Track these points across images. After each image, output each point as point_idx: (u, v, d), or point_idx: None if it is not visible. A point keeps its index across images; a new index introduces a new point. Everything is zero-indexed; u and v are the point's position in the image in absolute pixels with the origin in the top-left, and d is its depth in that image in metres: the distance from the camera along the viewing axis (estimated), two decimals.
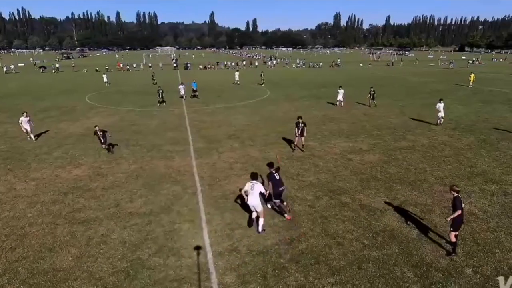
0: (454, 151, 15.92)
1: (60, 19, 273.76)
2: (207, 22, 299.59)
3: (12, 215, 10.38)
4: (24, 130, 17.98)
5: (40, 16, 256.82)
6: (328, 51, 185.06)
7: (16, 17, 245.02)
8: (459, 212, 7.93)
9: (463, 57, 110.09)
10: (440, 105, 20.16)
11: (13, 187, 12.34)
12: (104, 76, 43.41)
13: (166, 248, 8.67)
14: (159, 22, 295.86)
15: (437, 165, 14.17)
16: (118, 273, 7.75)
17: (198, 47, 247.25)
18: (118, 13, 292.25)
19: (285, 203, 10.36)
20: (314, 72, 63.02)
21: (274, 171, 10.16)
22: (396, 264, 8.01)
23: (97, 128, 15.84)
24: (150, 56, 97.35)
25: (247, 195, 9.32)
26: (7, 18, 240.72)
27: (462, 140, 17.61)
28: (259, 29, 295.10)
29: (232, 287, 7.35)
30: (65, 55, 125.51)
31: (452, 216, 8.01)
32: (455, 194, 8.07)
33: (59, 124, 21.76)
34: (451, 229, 8.16)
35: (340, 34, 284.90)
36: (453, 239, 8.18)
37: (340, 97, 26.94)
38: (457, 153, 15.64)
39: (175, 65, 72.70)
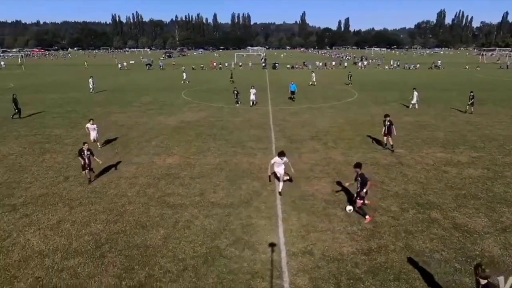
0: None
1: (166, 21, 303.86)
2: (298, 22, 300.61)
3: (115, 193, 11.93)
4: (92, 138, 16.67)
5: (150, 19, 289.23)
6: (428, 52, 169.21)
7: (131, 20, 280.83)
8: None
9: None
10: None
11: (119, 169, 14.15)
12: (184, 74, 46.41)
13: (242, 241, 9.00)
14: (251, 23, 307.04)
15: None
16: (198, 258, 8.32)
17: (287, 47, 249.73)
18: (215, 15, 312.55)
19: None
20: (409, 74, 58.32)
21: (362, 173, 10.08)
22: None
23: (85, 147, 12.54)
24: (245, 55, 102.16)
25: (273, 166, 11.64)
26: (124, 21, 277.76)
27: None
28: (351, 29, 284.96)
29: None
30: (167, 54, 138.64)
31: None
32: (484, 281, 5.24)
33: (158, 117, 24.19)
34: None
35: (443, 33, 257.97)
36: None
37: (414, 99, 25.65)
38: None
39: (263, 64, 74.67)
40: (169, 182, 12.80)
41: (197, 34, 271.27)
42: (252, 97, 27.59)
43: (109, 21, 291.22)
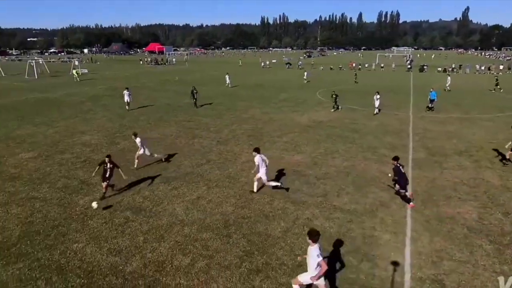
0: None
1: (309, 22, 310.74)
2: (458, 19, 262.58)
3: (246, 181, 12.96)
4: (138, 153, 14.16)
5: (295, 20, 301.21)
6: None
7: (278, 21, 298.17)
8: None
9: None
10: None
11: (251, 160, 15.30)
12: (305, 73, 47.66)
13: (361, 251, 8.55)
14: (400, 21, 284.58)
15: None
16: None
17: (441, 48, 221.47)
18: (360, 14, 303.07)
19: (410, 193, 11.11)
20: None
21: (399, 165, 11.00)
22: None
23: (107, 160, 11.41)
24: (391, 56, 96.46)
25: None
26: (271, 22, 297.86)
27: None
28: None
29: None
30: (307, 53, 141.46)
31: None
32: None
33: (291, 114, 25.01)
34: None
35: None
36: None
37: None
38: None
39: (409, 66, 68.24)
40: (295, 178, 13.14)
41: (339, 34, 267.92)
42: (376, 103, 24.50)
43: (258, 22, 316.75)
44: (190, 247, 8.79)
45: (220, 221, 10.02)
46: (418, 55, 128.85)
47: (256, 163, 11.47)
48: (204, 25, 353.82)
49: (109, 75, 58.05)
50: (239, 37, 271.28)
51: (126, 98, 26.37)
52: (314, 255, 6.23)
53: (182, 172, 13.80)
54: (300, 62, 78.62)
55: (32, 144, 17.72)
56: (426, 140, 18.19)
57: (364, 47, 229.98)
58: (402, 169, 10.96)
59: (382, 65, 71.35)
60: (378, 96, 24.66)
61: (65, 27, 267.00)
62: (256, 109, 26.98)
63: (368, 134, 19.41)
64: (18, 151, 16.56)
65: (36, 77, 52.65)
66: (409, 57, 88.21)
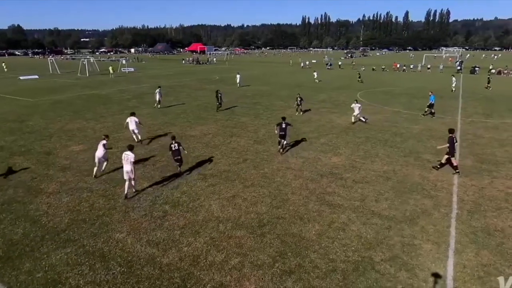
0: None
1: (352, 21, 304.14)
2: None
3: (282, 181, 12.93)
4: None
5: (337, 20, 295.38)
6: None
7: (319, 21, 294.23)
8: None
9: None
10: None
11: (287, 160, 15.27)
12: (315, 74, 48.14)
13: (400, 260, 8.21)
14: (450, 20, 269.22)
15: None
16: (348, 263, 8.12)
17: (496, 48, 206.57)
18: (407, 13, 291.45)
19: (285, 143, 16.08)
20: None
21: (284, 124, 15.42)
22: None
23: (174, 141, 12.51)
24: (444, 57, 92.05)
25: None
26: (312, 22, 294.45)
27: None
28: None
29: None
30: (348, 54, 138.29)
31: None
32: None
33: (330, 115, 24.56)
34: None
35: None
36: None
37: None
38: None
39: (458, 68, 64.37)
40: (331, 181, 12.90)
41: (383, 34, 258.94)
42: (355, 111, 21.57)
43: (299, 22, 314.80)
44: (225, 243, 8.93)
45: (254, 220, 10.08)
46: (460, 55, 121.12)
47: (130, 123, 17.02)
48: (245, 26, 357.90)
49: (153, 74, 60.45)
50: (279, 37, 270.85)
51: (158, 97, 27.20)
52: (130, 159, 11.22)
53: (219, 170, 14.05)
54: (340, 63, 76.92)
55: (82, 137, 18.91)
56: (475, 146, 17.09)
57: (409, 47, 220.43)
58: (284, 125, 15.33)
59: (428, 66, 67.83)
60: (358, 105, 21.66)
61: (114, 28, 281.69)
62: (294, 109, 26.78)
63: (411, 138, 18.58)
64: (70, 143, 17.76)
65: (87, 75, 56.08)
66: (459, 58, 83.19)
